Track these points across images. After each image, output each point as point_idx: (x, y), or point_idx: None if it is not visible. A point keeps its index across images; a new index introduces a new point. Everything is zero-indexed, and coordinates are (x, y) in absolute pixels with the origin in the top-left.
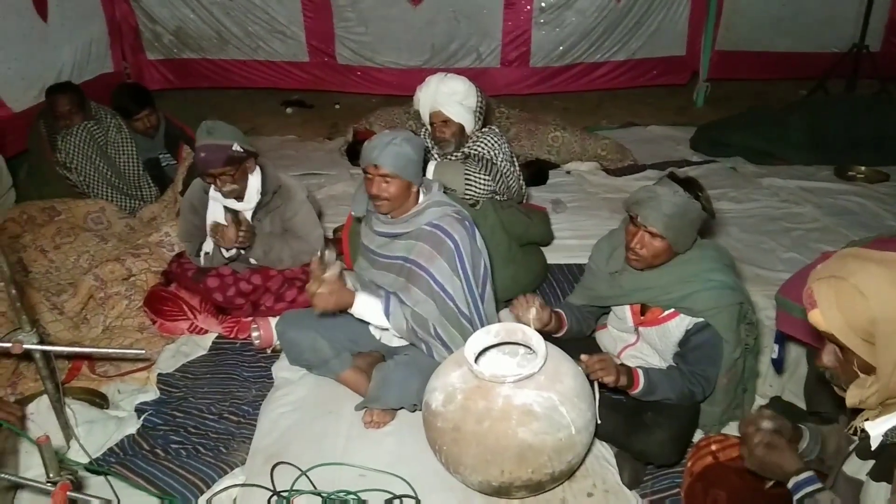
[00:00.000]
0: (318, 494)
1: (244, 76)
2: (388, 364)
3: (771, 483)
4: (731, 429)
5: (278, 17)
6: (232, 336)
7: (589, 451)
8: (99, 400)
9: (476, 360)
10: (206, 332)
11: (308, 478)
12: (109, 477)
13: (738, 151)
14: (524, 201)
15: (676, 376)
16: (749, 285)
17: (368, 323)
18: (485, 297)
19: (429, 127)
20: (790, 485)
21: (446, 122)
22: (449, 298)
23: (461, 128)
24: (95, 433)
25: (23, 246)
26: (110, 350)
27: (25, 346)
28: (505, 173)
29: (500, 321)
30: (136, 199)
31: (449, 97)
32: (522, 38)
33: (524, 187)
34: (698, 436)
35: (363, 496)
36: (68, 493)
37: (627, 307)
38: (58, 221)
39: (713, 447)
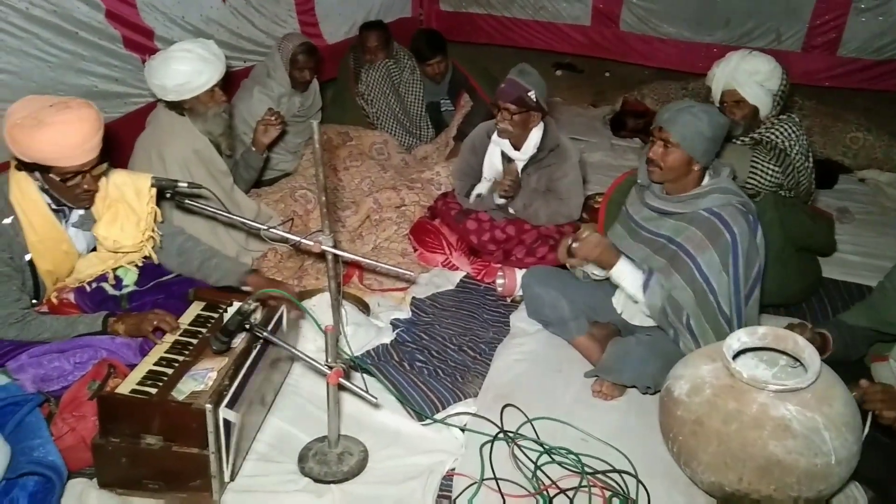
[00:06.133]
0: (541, 444)
1: (522, 35)
2: (629, 339)
3: None
4: None
5: None
6: (479, 278)
7: (843, 487)
8: (362, 307)
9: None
10: (457, 269)
11: (533, 426)
12: (364, 375)
13: None
14: (810, 202)
15: None
16: None
17: (611, 295)
18: (750, 299)
19: (718, 106)
20: None
21: (739, 102)
22: (711, 293)
23: (755, 111)
24: (359, 335)
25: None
26: (387, 265)
27: (323, 246)
28: (798, 167)
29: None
30: (414, 137)
31: (749, 76)
32: (835, 22)
33: (813, 186)
34: None
35: (584, 460)
36: (339, 379)
37: None
38: (349, 146)
39: None
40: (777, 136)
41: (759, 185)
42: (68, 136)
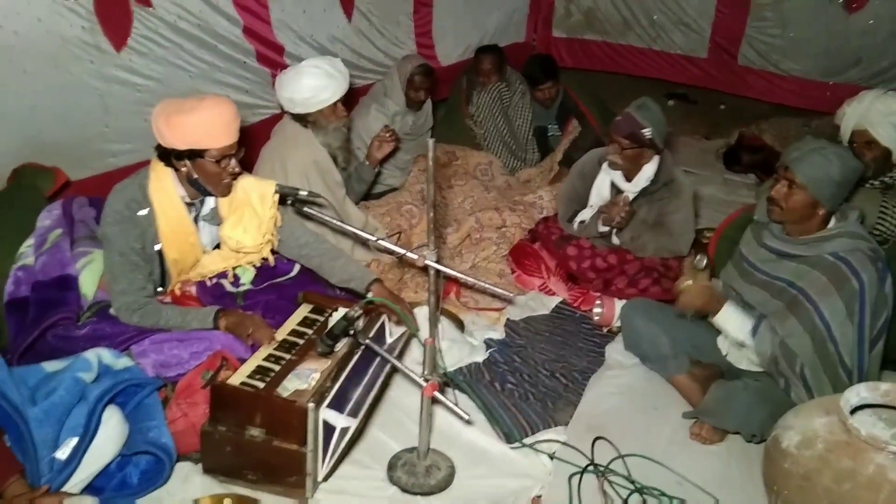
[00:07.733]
0: (632, 482)
1: (636, 64)
2: (735, 383)
3: None
4: None
5: (688, 8)
6: (575, 305)
7: None
8: (457, 324)
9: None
10: (554, 294)
11: (625, 463)
12: (456, 391)
13: None
14: None
15: None
16: None
17: (717, 335)
18: (872, 352)
19: (846, 146)
20: None
21: (870, 143)
22: (832, 342)
23: (887, 153)
24: (453, 351)
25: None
26: (486, 284)
27: (427, 261)
28: None
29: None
30: (519, 160)
31: (883, 117)
32: None
33: None
34: None
35: None
36: (434, 392)
37: None
38: (454, 165)
39: None
40: None
41: (888, 231)
42: (219, 116)
